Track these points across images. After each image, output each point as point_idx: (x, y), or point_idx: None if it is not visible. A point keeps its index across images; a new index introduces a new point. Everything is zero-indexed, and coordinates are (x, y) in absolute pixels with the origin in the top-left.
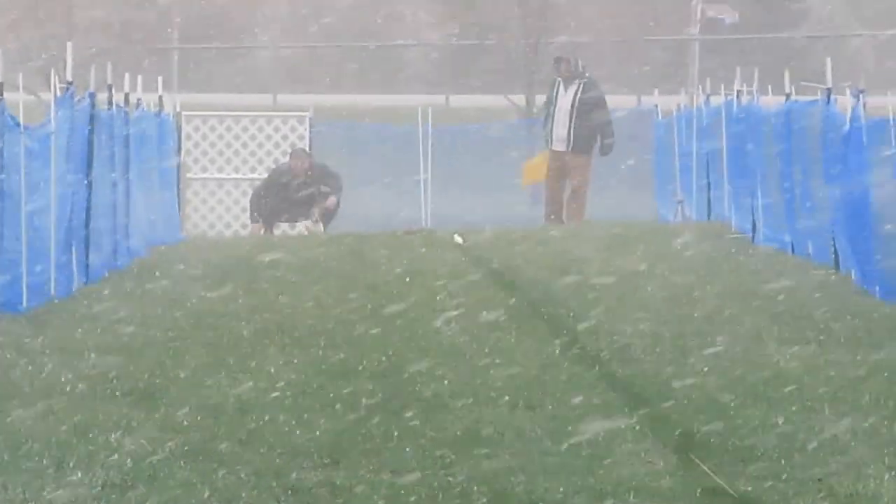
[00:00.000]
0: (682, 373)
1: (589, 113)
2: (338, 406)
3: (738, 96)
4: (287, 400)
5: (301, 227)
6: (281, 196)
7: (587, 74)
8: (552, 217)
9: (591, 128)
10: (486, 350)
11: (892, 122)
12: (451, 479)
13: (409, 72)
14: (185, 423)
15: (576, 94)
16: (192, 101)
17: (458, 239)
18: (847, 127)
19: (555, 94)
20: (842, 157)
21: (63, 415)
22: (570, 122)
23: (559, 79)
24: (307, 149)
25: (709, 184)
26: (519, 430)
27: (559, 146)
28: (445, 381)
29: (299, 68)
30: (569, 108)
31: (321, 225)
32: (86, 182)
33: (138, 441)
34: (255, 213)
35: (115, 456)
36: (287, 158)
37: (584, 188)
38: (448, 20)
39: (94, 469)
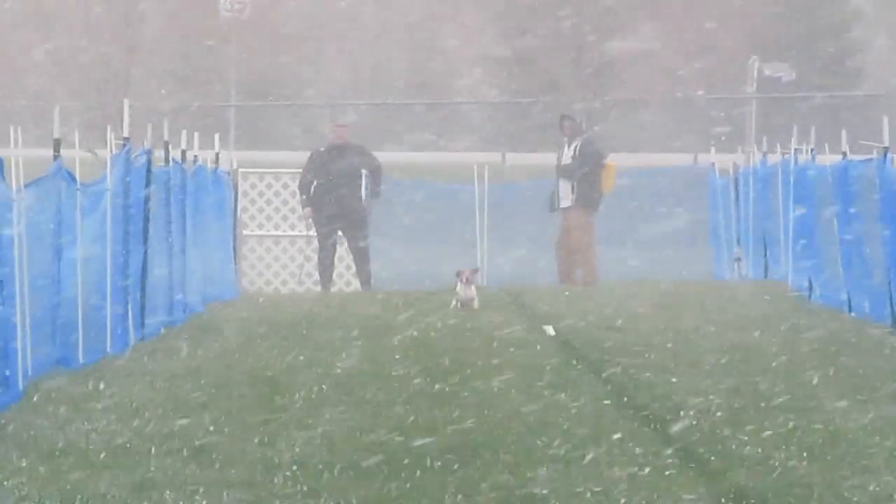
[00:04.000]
0: (738, 432)
1: (586, 168)
2: (396, 462)
3: (795, 155)
4: (343, 456)
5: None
6: (319, 167)
7: (587, 132)
8: (565, 278)
9: (589, 182)
10: (541, 407)
11: None
12: None
13: (465, 128)
14: (241, 479)
15: (576, 150)
16: (248, 157)
17: (551, 331)
18: None
19: (560, 153)
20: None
21: (119, 471)
22: (572, 179)
23: (565, 138)
24: None
25: (765, 242)
26: (573, 490)
27: (564, 203)
28: (502, 440)
29: (357, 125)
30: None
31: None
32: (142, 238)
33: (193, 498)
34: (304, 197)
35: None
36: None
37: (584, 244)
38: (503, 78)
39: None
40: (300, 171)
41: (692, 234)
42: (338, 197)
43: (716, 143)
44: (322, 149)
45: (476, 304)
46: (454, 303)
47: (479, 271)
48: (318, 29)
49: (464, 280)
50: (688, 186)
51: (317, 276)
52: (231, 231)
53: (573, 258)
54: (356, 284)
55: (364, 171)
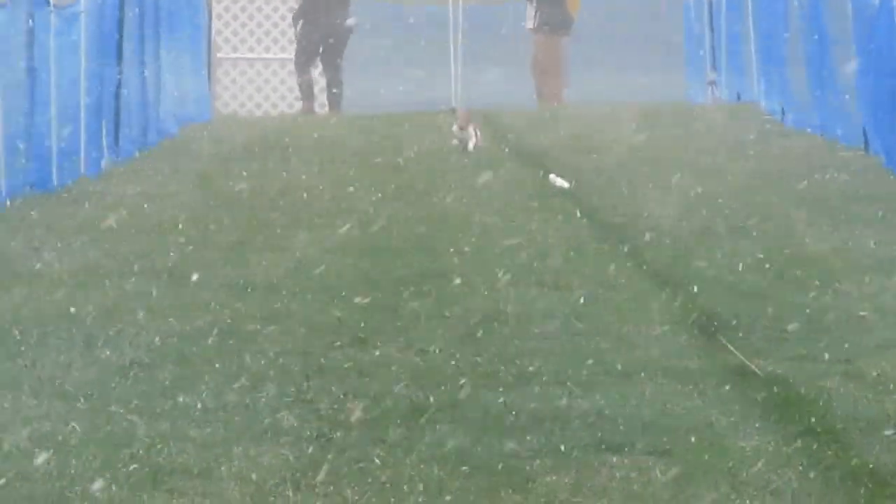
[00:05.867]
0: (709, 254)
1: None
2: (366, 284)
3: None
4: (315, 279)
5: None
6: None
7: None
8: (540, 97)
9: (550, 2)
10: (514, 230)
11: None
12: (477, 358)
13: None
14: (213, 302)
15: None
16: None
17: (560, 181)
18: (877, 5)
19: None
20: (871, 38)
21: (92, 293)
22: None
23: None
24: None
25: (737, 66)
26: (546, 310)
27: (528, 23)
28: (474, 261)
29: None
30: None
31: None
32: (116, 59)
33: (166, 320)
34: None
35: (144, 335)
36: None
37: (547, 66)
38: None
39: (122, 348)
40: None
41: (666, 56)
42: (325, 14)
43: None
44: None
45: (471, 145)
46: (455, 140)
47: (471, 111)
48: None
49: (459, 125)
50: (657, 7)
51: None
52: (206, 53)
53: (541, 78)
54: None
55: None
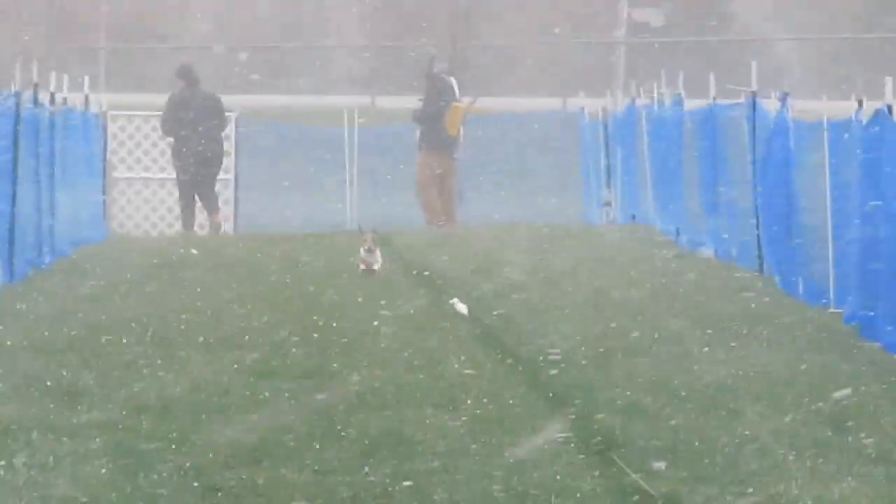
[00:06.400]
0: (606, 375)
1: (430, 109)
2: (261, 406)
3: (661, 99)
4: (211, 399)
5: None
6: (178, 110)
7: (436, 73)
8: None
9: (431, 124)
10: (411, 353)
11: (824, 125)
12: (373, 479)
13: (336, 73)
14: (108, 421)
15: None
16: (119, 100)
17: (461, 308)
18: (771, 129)
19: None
20: (764, 161)
21: None
22: (417, 121)
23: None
24: (233, 148)
25: (632, 187)
26: (442, 431)
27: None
28: (369, 383)
29: (227, 68)
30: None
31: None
32: (10, 180)
33: (60, 439)
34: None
35: (38, 455)
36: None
37: (420, 185)
38: (374, 21)
39: (15, 468)
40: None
41: (563, 178)
42: (199, 140)
43: (585, 88)
44: (176, 92)
45: (378, 266)
46: (360, 265)
47: (377, 233)
48: None
49: (366, 247)
50: (558, 131)
51: None
52: (100, 173)
53: (422, 196)
54: (225, 227)
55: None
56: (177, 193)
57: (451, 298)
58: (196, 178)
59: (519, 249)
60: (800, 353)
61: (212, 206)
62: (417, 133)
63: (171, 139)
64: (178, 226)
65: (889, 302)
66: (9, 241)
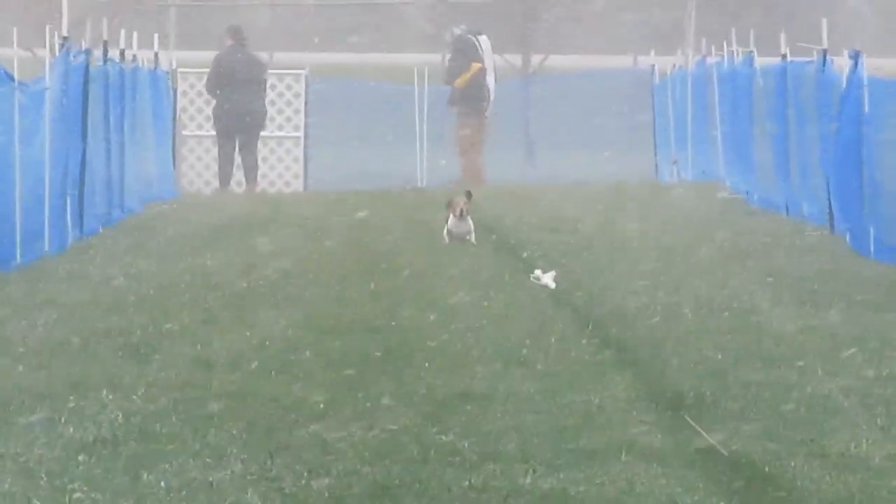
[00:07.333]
0: (676, 333)
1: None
2: (330, 364)
3: (732, 57)
4: (279, 356)
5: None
6: (224, 71)
7: (459, 33)
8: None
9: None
10: (482, 309)
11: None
12: (442, 437)
13: (406, 30)
14: (177, 379)
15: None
16: (188, 58)
17: (547, 279)
18: (844, 88)
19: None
20: (837, 118)
21: (56, 370)
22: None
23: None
24: (303, 105)
25: (702, 145)
26: (511, 388)
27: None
28: (440, 339)
29: (296, 26)
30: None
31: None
32: (81, 137)
33: (130, 397)
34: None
35: (107, 411)
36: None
37: (459, 145)
38: None
39: (85, 424)
40: None
41: (634, 136)
42: (241, 99)
43: (656, 45)
44: (222, 52)
45: (472, 237)
46: (446, 237)
47: (471, 198)
48: None
49: (457, 213)
50: (629, 88)
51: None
52: (170, 131)
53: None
54: (295, 185)
55: (263, 77)
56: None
57: (534, 272)
58: (236, 138)
59: (588, 208)
60: (870, 311)
61: (250, 174)
62: (449, 95)
63: (214, 98)
64: (215, 183)
65: None
66: (79, 197)
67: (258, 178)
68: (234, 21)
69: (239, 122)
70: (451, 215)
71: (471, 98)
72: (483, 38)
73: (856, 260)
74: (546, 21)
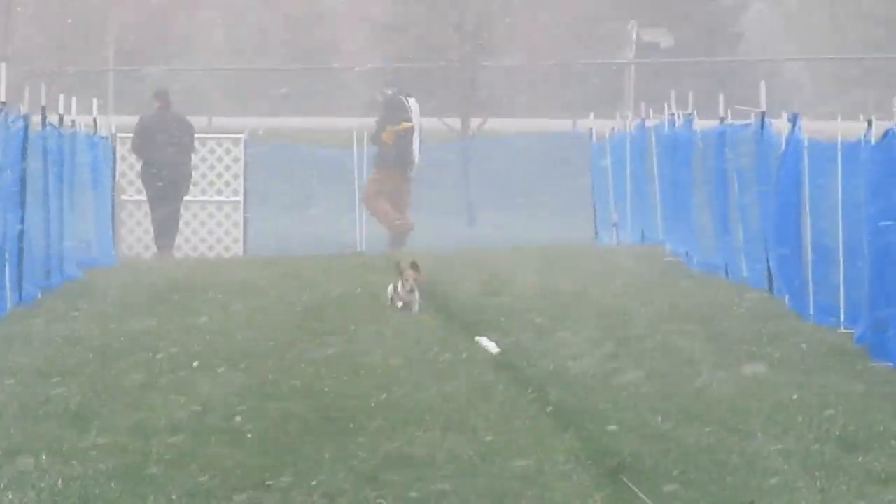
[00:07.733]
0: (615, 396)
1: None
2: (270, 428)
3: (672, 119)
4: (218, 421)
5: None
6: (150, 133)
7: (390, 94)
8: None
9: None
10: (420, 374)
11: (838, 145)
12: (381, 500)
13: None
14: (117, 444)
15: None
16: (128, 122)
17: (489, 346)
18: (782, 150)
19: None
20: (775, 181)
21: None
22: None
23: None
24: (242, 170)
25: (641, 207)
26: (451, 451)
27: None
28: (379, 405)
29: (235, 91)
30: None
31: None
32: (19, 203)
33: (69, 462)
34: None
35: (47, 477)
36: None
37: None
38: (385, 44)
39: (24, 489)
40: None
41: (574, 199)
42: (170, 161)
43: (595, 108)
44: (147, 114)
45: (417, 307)
46: (391, 299)
47: (419, 271)
48: None
49: (408, 288)
50: (568, 151)
51: None
52: (109, 196)
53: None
54: (235, 250)
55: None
56: (185, 214)
57: (477, 337)
58: (164, 198)
59: (528, 270)
60: (810, 374)
61: (168, 237)
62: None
63: (141, 160)
64: (186, 248)
65: None
66: (18, 263)
67: (174, 242)
68: (166, 85)
69: (166, 184)
70: (399, 284)
71: (395, 157)
72: (412, 101)
73: (795, 322)
74: (486, 85)
